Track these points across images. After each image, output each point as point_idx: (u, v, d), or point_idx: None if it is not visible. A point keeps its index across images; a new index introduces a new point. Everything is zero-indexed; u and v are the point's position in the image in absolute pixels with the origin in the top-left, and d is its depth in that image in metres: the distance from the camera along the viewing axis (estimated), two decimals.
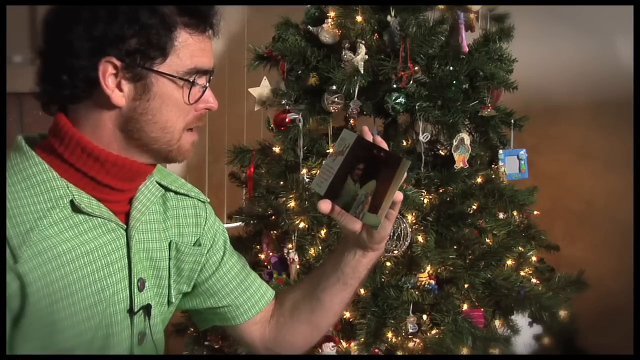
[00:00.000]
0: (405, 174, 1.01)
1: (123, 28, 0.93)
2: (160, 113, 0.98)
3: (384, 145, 1.05)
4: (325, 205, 1.06)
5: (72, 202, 0.98)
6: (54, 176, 0.98)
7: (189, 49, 0.98)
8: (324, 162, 1.11)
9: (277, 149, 2.06)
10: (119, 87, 0.96)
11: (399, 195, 1.04)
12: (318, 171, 1.12)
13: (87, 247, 0.99)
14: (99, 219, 1.01)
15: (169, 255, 1.13)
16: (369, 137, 1.07)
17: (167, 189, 1.15)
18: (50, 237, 0.95)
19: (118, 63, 0.94)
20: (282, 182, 2.05)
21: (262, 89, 2.06)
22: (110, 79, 0.95)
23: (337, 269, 1.15)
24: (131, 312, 1.05)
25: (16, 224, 0.93)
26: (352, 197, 1.03)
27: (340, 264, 1.14)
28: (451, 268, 1.90)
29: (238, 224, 2.17)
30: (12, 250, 0.91)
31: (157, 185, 1.13)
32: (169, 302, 1.14)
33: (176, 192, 1.17)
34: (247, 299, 1.22)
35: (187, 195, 1.18)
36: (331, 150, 1.96)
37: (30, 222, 0.94)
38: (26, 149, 0.99)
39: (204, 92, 1.01)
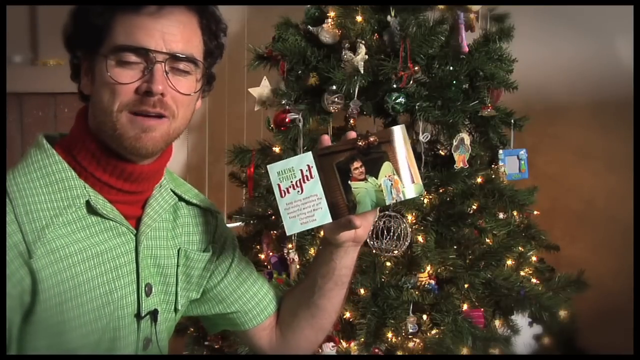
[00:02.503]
0: (406, 135, 0.99)
1: (73, 23, 1.02)
2: (98, 94, 0.99)
3: (353, 135, 1.02)
4: (358, 221, 1.01)
5: (87, 203, 0.99)
6: (72, 175, 1.00)
7: (124, 27, 0.97)
8: (284, 203, 1.01)
9: (277, 149, 2.06)
10: (87, 76, 1.02)
11: None
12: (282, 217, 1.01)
13: (98, 249, 1.00)
14: (110, 222, 1.02)
15: (178, 262, 1.13)
16: (328, 144, 1.03)
17: (180, 198, 1.15)
18: (63, 237, 0.96)
19: (85, 58, 1.02)
20: None
21: (262, 89, 2.06)
22: (84, 70, 1.03)
23: (332, 275, 1.13)
24: (138, 316, 1.05)
25: (32, 220, 0.94)
26: (376, 191, 1.00)
27: (335, 270, 1.12)
28: (451, 268, 1.90)
29: (238, 224, 2.17)
30: (28, 245, 0.92)
31: (172, 193, 1.13)
32: (176, 310, 1.14)
33: (188, 202, 1.17)
34: (256, 305, 1.22)
35: (199, 206, 1.19)
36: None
37: (46, 219, 0.95)
38: (47, 146, 1.01)
39: (148, 72, 0.97)
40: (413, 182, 0.98)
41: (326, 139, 1.04)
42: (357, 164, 1.00)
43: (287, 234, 1.03)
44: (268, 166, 1.02)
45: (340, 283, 1.15)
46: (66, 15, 1.02)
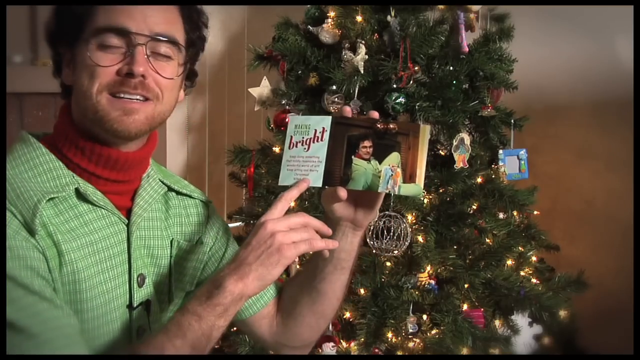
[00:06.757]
0: (429, 136, 0.99)
1: (55, 17, 1.03)
2: (79, 79, 1.00)
3: (376, 115, 1.04)
4: (343, 193, 1.03)
5: (77, 191, 0.99)
6: (60, 166, 1.00)
7: (105, 11, 0.98)
8: (288, 155, 1.05)
9: (277, 149, 2.06)
10: (68, 67, 1.03)
11: None
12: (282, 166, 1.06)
13: (92, 237, 1.00)
14: (102, 210, 1.02)
15: (171, 253, 1.13)
16: (349, 115, 1.05)
17: (170, 189, 1.16)
18: (57, 226, 0.96)
19: (67, 48, 1.02)
20: None
21: (262, 89, 2.06)
22: (66, 62, 1.04)
23: (331, 258, 1.13)
24: (130, 307, 1.05)
25: (25, 200, 0.93)
26: (373, 175, 1.01)
27: (333, 253, 1.12)
28: (451, 268, 1.90)
29: (238, 224, 2.17)
30: (28, 225, 0.91)
31: (160, 183, 1.13)
32: (170, 300, 1.14)
33: (178, 192, 1.17)
34: None
35: (190, 196, 1.19)
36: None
37: (37, 196, 0.94)
38: (32, 140, 1.01)
39: (129, 54, 0.97)
40: (415, 182, 0.99)
41: (348, 110, 1.06)
42: (367, 143, 1.02)
43: (279, 184, 1.05)
44: (290, 116, 1.06)
45: (339, 267, 1.14)
46: (48, 14, 1.04)
